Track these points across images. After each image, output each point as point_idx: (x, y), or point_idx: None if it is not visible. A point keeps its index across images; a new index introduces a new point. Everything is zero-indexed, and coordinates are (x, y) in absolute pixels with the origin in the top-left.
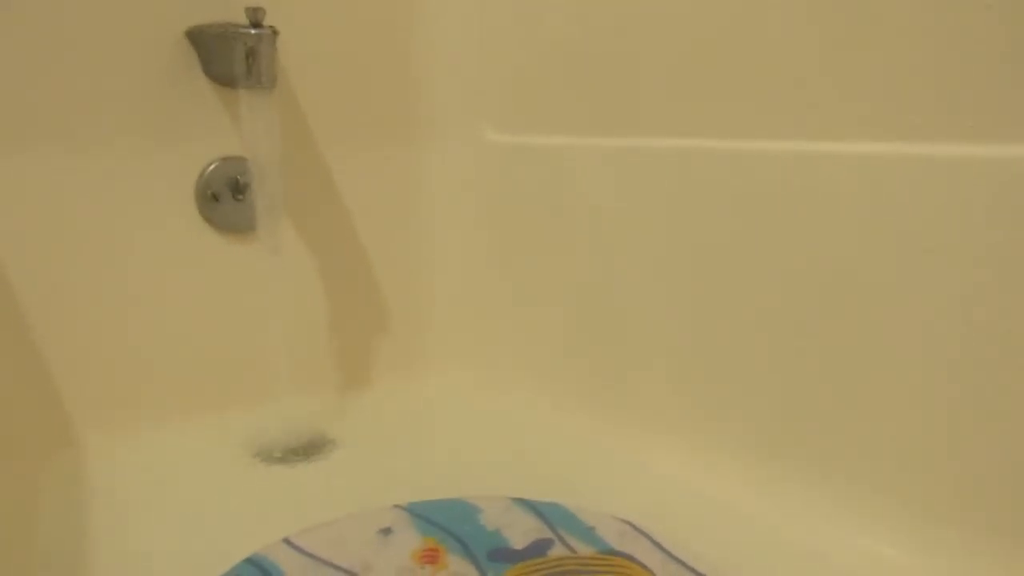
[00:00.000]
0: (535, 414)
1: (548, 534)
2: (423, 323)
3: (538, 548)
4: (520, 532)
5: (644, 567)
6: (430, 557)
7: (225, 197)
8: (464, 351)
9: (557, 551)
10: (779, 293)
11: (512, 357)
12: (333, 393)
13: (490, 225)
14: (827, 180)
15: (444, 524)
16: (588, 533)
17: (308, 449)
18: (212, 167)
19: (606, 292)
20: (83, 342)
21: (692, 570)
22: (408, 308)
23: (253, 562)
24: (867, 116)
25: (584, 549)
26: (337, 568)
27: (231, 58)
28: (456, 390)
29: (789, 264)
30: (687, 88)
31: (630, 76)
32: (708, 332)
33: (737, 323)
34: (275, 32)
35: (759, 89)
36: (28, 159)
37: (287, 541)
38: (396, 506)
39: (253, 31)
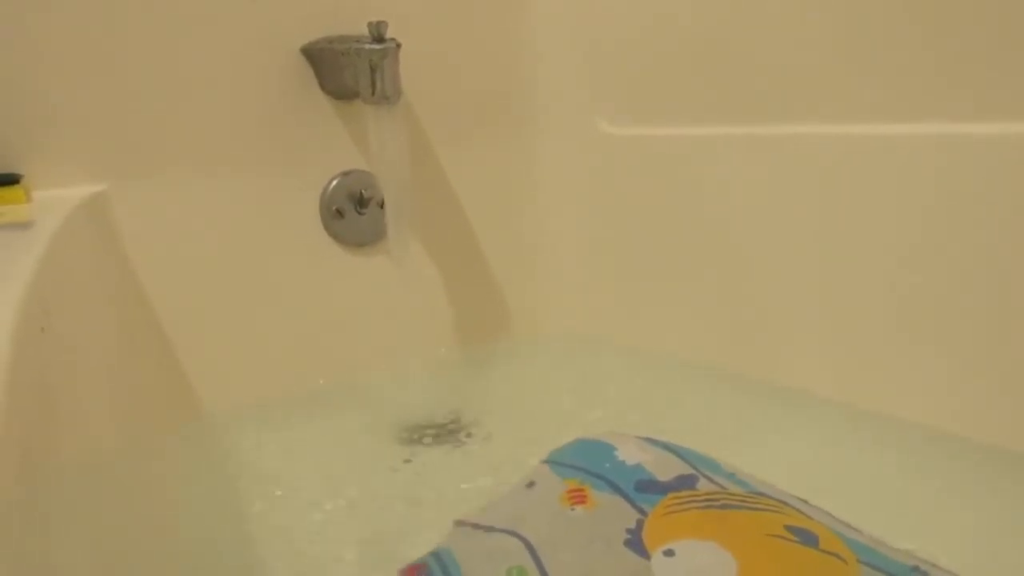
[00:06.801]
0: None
1: (690, 471)
2: (538, 306)
3: (685, 482)
4: (661, 466)
5: (799, 511)
6: (578, 498)
7: (349, 212)
8: (577, 344)
9: (704, 486)
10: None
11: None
12: (459, 376)
13: (608, 219)
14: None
15: (583, 466)
16: (731, 476)
17: (441, 429)
18: (334, 183)
19: (735, 276)
20: (216, 353)
21: (856, 530)
22: (524, 289)
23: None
24: None
25: (732, 487)
26: (490, 530)
27: (354, 73)
28: (571, 386)
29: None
30: (827, 71)
31: (759, 59)
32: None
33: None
34: (398, 45)
35: (901, 73)
36: (160, 182)
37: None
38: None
39: (377, 46)
